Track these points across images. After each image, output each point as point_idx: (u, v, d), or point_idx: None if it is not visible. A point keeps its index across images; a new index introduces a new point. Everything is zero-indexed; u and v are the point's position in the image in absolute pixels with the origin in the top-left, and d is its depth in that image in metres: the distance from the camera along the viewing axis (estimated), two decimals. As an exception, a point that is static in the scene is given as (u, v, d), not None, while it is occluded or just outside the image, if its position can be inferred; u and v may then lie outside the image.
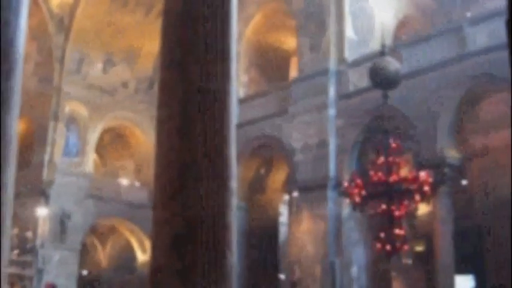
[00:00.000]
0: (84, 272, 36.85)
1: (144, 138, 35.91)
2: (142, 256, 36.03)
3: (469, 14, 24.20)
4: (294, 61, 30.30)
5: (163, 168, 5.45)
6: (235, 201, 5.66)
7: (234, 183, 5.63)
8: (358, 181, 17.91)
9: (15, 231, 27.04)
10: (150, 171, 34.48)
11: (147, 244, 35.00)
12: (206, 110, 5.50)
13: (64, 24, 33.23)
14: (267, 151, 28.00)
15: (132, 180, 36.77)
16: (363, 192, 17.77)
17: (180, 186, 5.28)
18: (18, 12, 8.05)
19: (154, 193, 5.50)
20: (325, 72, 25.18)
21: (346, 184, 19.04)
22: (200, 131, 5.42)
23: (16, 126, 7.78)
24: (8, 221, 7.60)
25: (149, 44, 34.34)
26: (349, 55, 25.22)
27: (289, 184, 26.04)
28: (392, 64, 18.08)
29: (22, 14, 8.12)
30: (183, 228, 5.20)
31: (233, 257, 5.51)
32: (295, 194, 25.03)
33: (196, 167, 5.32)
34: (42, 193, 31.82)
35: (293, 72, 30.41)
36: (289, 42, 30.41)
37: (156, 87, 27.83)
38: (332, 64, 25.24)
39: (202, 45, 5.67)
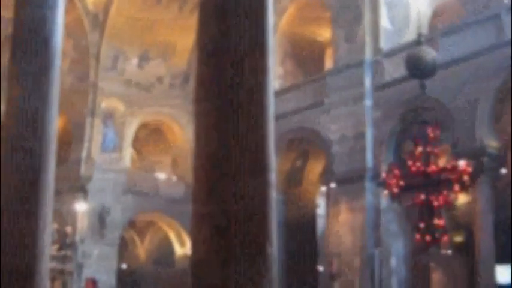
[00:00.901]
0: (124, 266, 37.14)
1: (180, 132, 36.04)
2: (180, 250, 36.21)
3: (506, 1, 23.81)
4: (329, 52, 30.17)
5: (202, 162, 5.44)
6: (274, 194, 5.63)
7: (273, 176, 5.60)
8: (397, 172, 17.78)
9: (55, 226, 27.35)
10: (186, 166, 34.68)
11: (186, 238, 35.16)
12: (244, 103, 5.47)
13: (99, 21, 33.47)
14: (304, 143, 27.97)
15: (169, 175, 36.93)
16: (402, 183, 17.64)
17: (219, 179, 5.26)
18: (55, 9, 8.11)
19: (193, 187, 5.49)
20: (360, 63, 25.03)
21: (384, 175, 18.94)
22: (238, 125, 5.39)
23: (55, 123, 7.84)
24: (49, 217, 7.68)
25: (184, 38, 34.43)
26: (385, 45, 25.03)
27: (326, 176, 25.95)
28: (429, 53, 17.89)
29: (58, 10, 8.18)
30: (223, 222, 5.18)
31: (274, 250, 5.49)
32: (333, 185, 24.95)
33: (235, 161, 5.30)
34: (80, 189, 32.13)
35: (328, 64, 30.29)
36: (324, 33, 30.28)
37: (191, 82, 27.99)
38: (368, 55, 25.05)
39: (239, 38, 5.63)
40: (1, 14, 10.88)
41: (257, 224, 5.33)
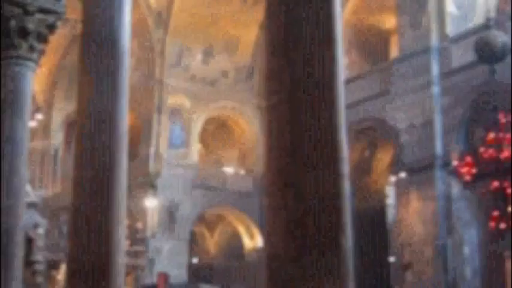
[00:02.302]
0: (194, 261, 37.52)
1: (247, 126, 36.17)
2: (250, 243, 36.37)
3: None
4: (394, 40, 29.84)
5: (275, 155, 5.41)
6: (347, 186, 5.59)
7: (345, 167, 5.56)
8: (468, 159, 17.48)
9: (127, 222, 27.78)
10: (254, 159, 34.87)
11: (255, 231, 35.32)
12: (315, 94, 5.43)
13: (162, 18, 33.84)
14: (371, 133, 27.75)
15: (237, 169, 37.11)
16: (474, 171, 17.34)
17: (293, 172, 5.24)
18: (121, 8, 8.19)
19: (267, 180, 5.48)
20: (427, 49, 24.68)
21: (455, 163, 18.64)
22: (310, 116, 5.36)
23: (126, 121, 7.93)
24: (122, 212, 7.79)
25: (247, 32, 34.53)
26: (452, 31, 24.60)
27: (395, 165, 25.71)
28: (499, 37, 17.51)
29: (125, 10, 8.26)
30: (298, 214, 5.16)
31: (348, 242, 5.45)
32: (402, 175, 24.69)
33: (308, 153, 5.27)
34: (150, 185, 32.57)
35: (394, 52, 29.95)
36: (389, 21, 29.96)
37: (256, 75, 27.99)
38: (434, 41, 24.68)
39: (307, 29, 5.59)
40: (66, 16, 11.08)
41: (331, 215, 5.30)
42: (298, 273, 5.14)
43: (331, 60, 5.64)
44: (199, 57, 35.29)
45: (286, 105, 5.39)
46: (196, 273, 35.69)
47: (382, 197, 29.09)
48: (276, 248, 5.28)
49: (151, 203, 31.98)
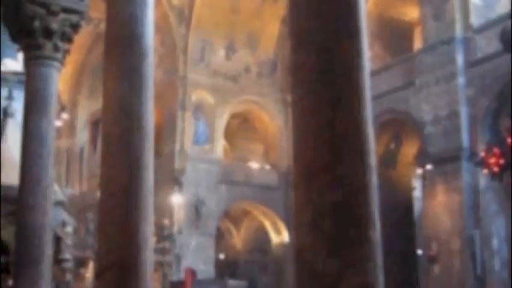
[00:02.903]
0: (221, 256, 37.58)
1: (270, 121, 36.12)
2: (276, 238, 36.34)
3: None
4: (417, 32, 29.69)
5: (301, 149, 5.39)
6: (375, 178, 5.55)
7: (373, 160, 5.51)
8: (496, 150, 17.33)
9: (153, 219, 27.86)
10: (278, 154, 34.85)
11: (281, 226, 35.28)
12: (339, 87, 5.39)
13: (184, 15, 33.86)
14: (396, 125, 27.63)
15: (262, 164, 37.09)
16: (501, 161, 17.19)
17: (319, 165, 5.21)
18: (145, 5, 8.19)
19: (293, 174, 5.46)
20: (451, 40, 24.53)
21: (482, 154, 18.48)
22: (335, 109, 5.32)
23: (151, 117, 7.94)
24: (150, 209, 7.80)
25: (269, 27, 34.47)
26: (476, 21, 24.42)
27: (421, 157, 25.59)
28: (524, 26, 17.33)
29: (148, 7, 8.26)
30: (326, 208, 5.13)
31: (377, 234, 5.41)
32: (428, 167, 24.57)
33: (334, 146, 5.24)
34: (175, 181, 32.65)
35: (417, 44, 29.79)
36: (411, 13, 29.79)
37: (279, 70, 27.93)
38: (458, 31, 24.52)
39: (331, 21, 5.55)
40: (89, 14, 11.16)
41: (359, 208, 5.26)
42: (326, 267, 5.11)
43: (356, 52, 5.58)
44: (221, 52, 35.28)
45: (311, 99, 5.36)
46: (223, 269, 35.78)
47: (408, 189, 28.98)
48: (303, 242, 5.26)
49: (177, 199, 32.10)
